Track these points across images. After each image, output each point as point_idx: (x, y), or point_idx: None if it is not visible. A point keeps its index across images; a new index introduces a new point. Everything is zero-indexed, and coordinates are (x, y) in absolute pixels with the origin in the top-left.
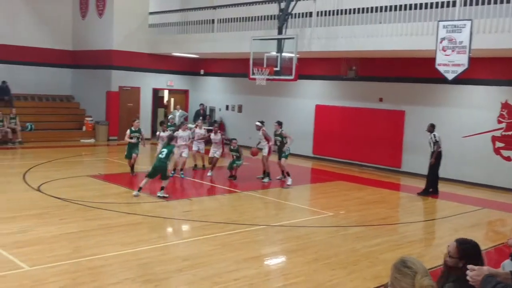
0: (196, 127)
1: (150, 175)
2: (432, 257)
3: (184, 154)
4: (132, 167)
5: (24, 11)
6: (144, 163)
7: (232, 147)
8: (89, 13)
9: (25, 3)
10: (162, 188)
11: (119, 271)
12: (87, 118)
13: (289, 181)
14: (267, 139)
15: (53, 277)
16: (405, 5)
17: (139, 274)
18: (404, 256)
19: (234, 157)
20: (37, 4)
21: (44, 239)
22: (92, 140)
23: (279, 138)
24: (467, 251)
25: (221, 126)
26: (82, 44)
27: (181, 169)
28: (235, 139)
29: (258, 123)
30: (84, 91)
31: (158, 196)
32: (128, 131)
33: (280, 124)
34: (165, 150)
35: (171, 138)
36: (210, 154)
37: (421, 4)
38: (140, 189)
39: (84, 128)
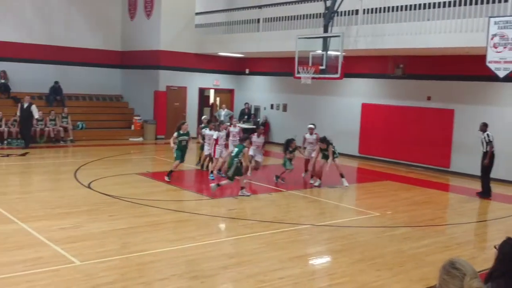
0: (230, 125)
1: (230, 177)
2: (483, 259)
3: (222, 154)
4: (171, 171)
5: (77, 14)
6: (191, 161)
7: (291, 149)
8: (137, 15)
9: (78, 7)
10: (242, 188)
11: (167, 267)
12: (135, 117)
13: (344, 182)
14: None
15: (102, 272)
16: (454, 1)
17: (186, 271)
18: (453, 258)
19: (291, 157)
20: (89, 7)
21: (94, 235)
22: (140, 139)
23: (325, 153)
24: (506, 249)
25: (266, 125)
26: (130, 44)
27: (219, 169)
28: (293, 139)
29: (312, 126)
30: (133, 90)
31: (239, 195)
32: (175, 134)
33: (324, 140)
34: (236, 149)
35: (244, 139)
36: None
37: (470, 0)
38: (217, 185)
39: (132, 127)
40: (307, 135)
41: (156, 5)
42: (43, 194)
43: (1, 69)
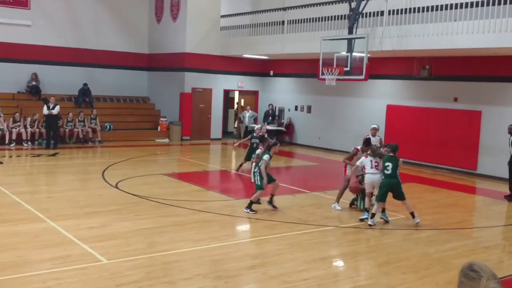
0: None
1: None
2: (511, 263)
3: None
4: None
5: (105, 18)
6: (216, 162)
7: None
8: (164, 18)
9: (106, 11)
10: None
11: (191, 267)
12: (161, 119)
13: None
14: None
15: (128, 271)
16: (481, 1)
17: (210, 271)
18: (472, 261)
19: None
20: (117, 11)
21: (121, 234)
22: (166, 140)
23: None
24: None
25: (291, 127)
26: (157, 47)
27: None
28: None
29: (376, 126)
30: (159, 92)
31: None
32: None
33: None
34: (389, 164)
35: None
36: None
37: (498, 0)
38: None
39: (159, 128)
40: (369, 137)
41: (182, 8)
42: (72, 193)
43: (32, 72)
